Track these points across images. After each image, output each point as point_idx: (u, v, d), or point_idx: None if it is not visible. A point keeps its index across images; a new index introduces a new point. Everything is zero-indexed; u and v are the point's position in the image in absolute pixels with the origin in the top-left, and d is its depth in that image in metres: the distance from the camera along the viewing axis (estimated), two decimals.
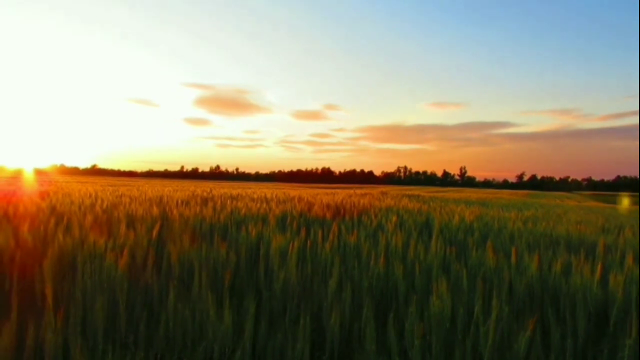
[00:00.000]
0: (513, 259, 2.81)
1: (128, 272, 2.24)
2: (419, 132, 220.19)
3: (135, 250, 2.58)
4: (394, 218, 4.95)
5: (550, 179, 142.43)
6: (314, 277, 2.62)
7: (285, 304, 2.38)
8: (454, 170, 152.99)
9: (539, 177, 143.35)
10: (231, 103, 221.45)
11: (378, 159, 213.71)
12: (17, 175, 39.47)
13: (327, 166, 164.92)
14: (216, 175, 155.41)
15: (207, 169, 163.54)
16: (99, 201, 5.19)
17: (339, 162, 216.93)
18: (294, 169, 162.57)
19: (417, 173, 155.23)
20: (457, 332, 1.99)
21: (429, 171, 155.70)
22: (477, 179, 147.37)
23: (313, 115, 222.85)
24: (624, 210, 12.40)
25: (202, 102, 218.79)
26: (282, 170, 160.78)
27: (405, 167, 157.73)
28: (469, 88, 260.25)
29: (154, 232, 3.06)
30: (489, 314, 2.01)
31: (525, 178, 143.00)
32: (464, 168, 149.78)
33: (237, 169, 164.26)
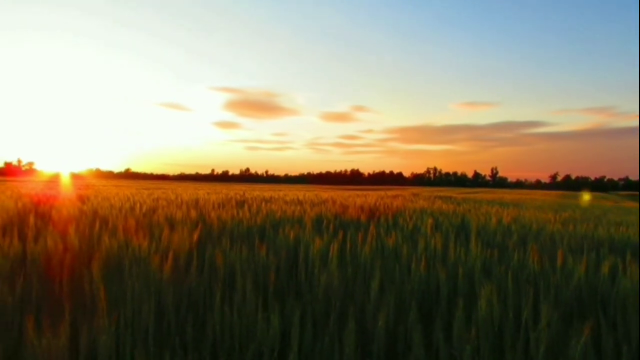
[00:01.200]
0: (559, 261, 2.74)
1: (173, 275, 2.28)
2: (449, 132, 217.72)
3: (179, 253, 2.62)
4: (430, 220, 4.90)
5: (585, 179, 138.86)
6: (356, 280, 2.61)
7: (327, 307, 2.37)
8: (485, 171, 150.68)
9: (573, 177, 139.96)
10: (260, 106, 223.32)
11: (407, 160, 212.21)
12: (54, 179, 40.67)
13: (356, 168, 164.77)
14: (246, 177, 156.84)
15: (237, 172, 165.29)
16: (138, 205, 5.30)
17: (368, 164, 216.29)
18: (323, 171, 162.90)
19: (447, 174, 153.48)
20: (505, 336, 1.95)
21: (459, 172, 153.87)
22: (509, 179, 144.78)
23: (341, 117, 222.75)
24: None
25: (232, 105, 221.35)
26: (311, 172, 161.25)
27: (435, 168, 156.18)
28: (501, 87, 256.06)
29: (195, 236, 3.10)
30: (538, 319, 1.97)
31: (559, 178, 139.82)
32: (495, 169, 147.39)
33: (266, 172, 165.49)
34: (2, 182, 25.58)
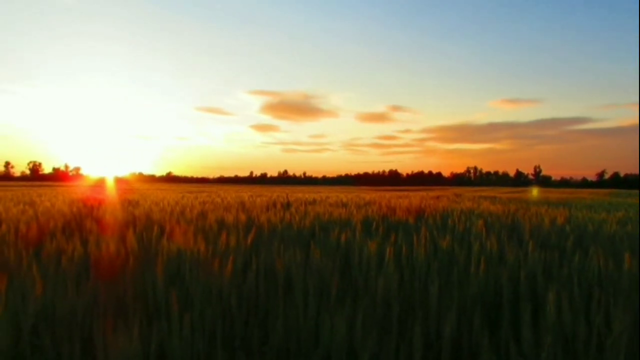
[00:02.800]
0: (626, 264, 2.63)
1: (234, 279, 2.30)
2: (490, 130, 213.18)
3: (236, 256, 2.65)
4: (480, 221, 4.80)
5: (635, 176, 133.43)
6: (414, 283, 2.58)
7: (387, 311, 2.35)
8: (528, 170, 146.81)
9: (621, 174, 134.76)
10: (297, 108, 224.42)
11: (446, 160, 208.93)
12: (99, 184, 42.00)
13: (394, 168, 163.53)
14: (284, 180, 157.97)
15: (275, 174, 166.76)
16: (188, 209, 5.40)
17: (406, 164, 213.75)
18: (361, 172, 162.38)
19: (488, 173, 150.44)
20: (578, 342, 1.88)
21: (500, 171, 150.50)
22: (553, 178, 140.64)
23: (379, 118, 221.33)
24: None
25: (269, 108, 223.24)
26: (349, 174, 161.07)
27: (476, 168, 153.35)
28: (544, 83, 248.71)
29: (249, 239, 3.13)
30: (610, 324, 1.89)
31: (607, 176, 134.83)
32: (539, 167, 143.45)
33: (304, 173, 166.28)
34: (52, 187, 26.58)
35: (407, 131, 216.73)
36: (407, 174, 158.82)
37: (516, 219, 5.65)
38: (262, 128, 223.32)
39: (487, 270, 2.67)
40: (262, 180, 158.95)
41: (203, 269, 2.45)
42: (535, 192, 25.89)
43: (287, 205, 6.62)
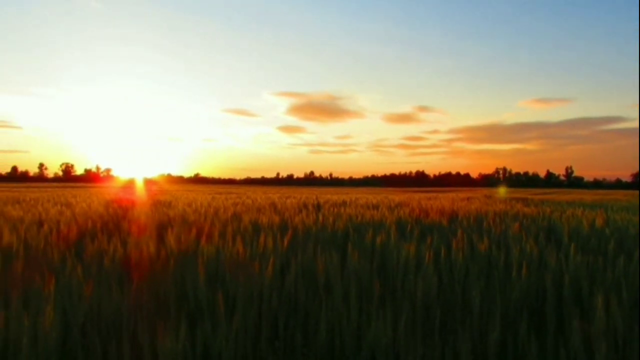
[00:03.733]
0: None
1: (274, 281, 2.31)
2: (520, 131, 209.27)
3: (275, 258, 2.65)
4: (516, 224, 4.72)
5: None
6: (454, 287, 2.55)
7: (427, 314, 2.33)
8: (559, 171, 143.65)
9: None
10: (323, 109, 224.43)
11: (474, 161, 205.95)
12: (130, 184, 42.82)
13: (421, 169, 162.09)
14: (310, 181, 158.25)
15: (301, 175, 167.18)
16: (221, 210, 5.45)
17: (433, 165, 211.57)
18: (387, 173, 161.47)
19: (518, 174, 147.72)
20: (631, 350, 1.83)
21: (530, 172, 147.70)
22: (586, 179, 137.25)
23: (405, 118, 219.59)
24: None
25: (295, 109, 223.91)
26: (375, 175, 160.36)
27: (505, 169, 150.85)
28: (575, 82, 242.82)
29: (285, 241, 3.13)
30: None
31: None
32: (570, 168, 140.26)
33: (330, 174, 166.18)
34: (84, 189, 27.18)
35: (434, 132, 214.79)
36: (434, 175, 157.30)
37: (552, 221, 5.53)
38: (289, 129, 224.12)
39: (529, 274, 2.62)
40: (289, 181, 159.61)
41: (243, 270, 2.47)
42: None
43: (318, 207, 6.63)
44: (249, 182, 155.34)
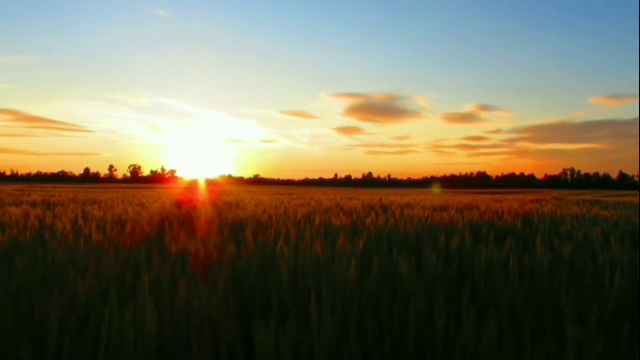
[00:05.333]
0: None
1: (356, 282, 2.31)
2: (589, 129, 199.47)
3: (355, 260, 2.66)
4: (598, 228, 4.49)
5: None
6: (540, 295, 2.46)
7: (514, 321, 2.25)
8: (633, 171, 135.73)
9: None
10: (381, 110, 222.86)
11: (540, 161, 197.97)
12: (193, 185, 44.24)
13: (482, 170, 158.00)
14: (368, 182, 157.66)
15: (359, 176, 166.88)
16: (291, 211, 5.53)
17: (495, 166, 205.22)
18: (447, 174, 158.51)
19: (587, 175, 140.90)
20: None
21: (601, 173, 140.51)
22: None
23: (466, 118, 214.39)
24: None
25: (353, 110, 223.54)
26: (435, 176, 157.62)
27: (573, 169, 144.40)
28: None
29: (361, 243, 3.13)
30: None
31: None
32: None
33: (389, 176, 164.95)
34: (151, 189, 28.29)
35: (496, 131, 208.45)
36: (497, 176, 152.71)
37: (636, 226, 5.23)
38: (347, 130, 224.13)
39: (622, 282, 2.48)
40: (347, 182, 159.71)
41: (324, 271, 2.49)
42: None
43: (385, 209, 6.59)
44: (308, 183, 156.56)
